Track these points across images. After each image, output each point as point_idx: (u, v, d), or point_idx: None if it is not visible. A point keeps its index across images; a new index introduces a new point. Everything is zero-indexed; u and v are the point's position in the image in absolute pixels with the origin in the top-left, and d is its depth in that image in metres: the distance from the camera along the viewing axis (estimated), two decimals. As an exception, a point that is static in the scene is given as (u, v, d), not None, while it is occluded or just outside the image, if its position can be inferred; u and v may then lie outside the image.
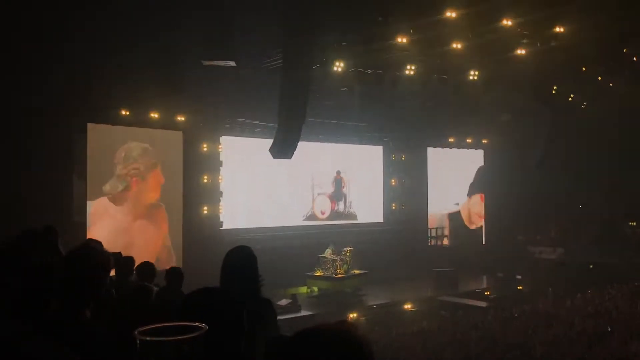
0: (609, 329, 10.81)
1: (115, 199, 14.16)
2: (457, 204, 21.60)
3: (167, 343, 1.16)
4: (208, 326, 1.27)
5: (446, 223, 21.33)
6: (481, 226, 22.09)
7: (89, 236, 13.09)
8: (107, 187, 14.02)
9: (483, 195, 22.05)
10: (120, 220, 14.24)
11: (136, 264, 5.89)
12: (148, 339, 1.15)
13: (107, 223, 13.95)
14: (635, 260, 18.20)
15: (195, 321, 1.27)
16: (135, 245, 14.27)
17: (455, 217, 21.58)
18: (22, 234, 4.29)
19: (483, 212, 22.08)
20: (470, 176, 22.13)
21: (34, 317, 1.98)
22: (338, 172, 19.07)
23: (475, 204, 21.98)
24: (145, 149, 14.64)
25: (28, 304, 2.21)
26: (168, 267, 6.35)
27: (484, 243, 21.88)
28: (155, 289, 4.36)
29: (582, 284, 15.65)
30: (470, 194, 21.90)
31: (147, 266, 5.74)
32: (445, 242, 21.08)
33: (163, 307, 3.68)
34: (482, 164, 22.22)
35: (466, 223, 21.86)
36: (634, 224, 20.34)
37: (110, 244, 12.77)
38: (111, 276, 5.30)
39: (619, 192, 20.44)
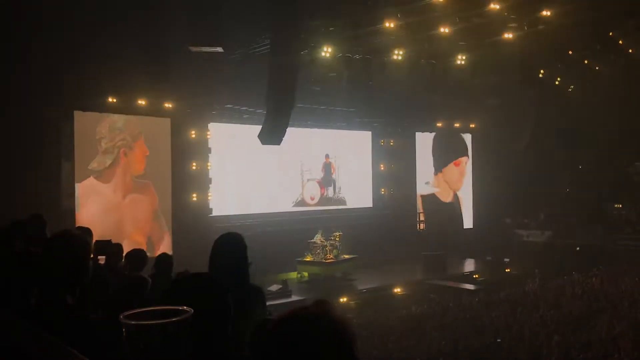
0: (595, 310, 10.98)
1: (103, 176, 14.10)
2: (428, 182, 21.53)
3: (153, 326, 1.18)
4: (194, 311, 1.29)
5: (420, 207, 21.29)
6: (461, 202, 22.12)
7: (78, 219, 13.16)
8: (94, 165, 13.95)
9: (456, 161, 22.07)
10: (110, 198, 14.22)
11: (130, 242, 5.83)
12: (134, 322, 1.17)
13: (96, 202, 13.94)
14: (621, 242, 18.43)
15: (181, 306, 1.28)
16: (127, 222, 14.33)
17: (428, 199, 21.51)
18: (9, 224, 4.30)
19: (460, 175, 22.07)
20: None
21: (16, 305, 1.99)
22: (327, 156, 19.08)
23: (449, 173, 21.96)
24: (128, 119, 14.54)
25: (10, 292, 2.23)
26: (159, 247, 6.31)
27: (467, 226, 21.94)
28: (150, 280, 4.36)
29: (569, 265, 15.84)
30: (440, 168, 21.84)
31: (137, 253, 5.66)
32: (422, 226, 21.01)
33: (155, 297, 3.71)
34: (470, 148, 22.27)
35: (444, 199, 21.82)
36: (620, 206, 20.56)
37: (102, 223, 12.96)
38: (101, 263, 5.32)
39: (605, 174, 20.64)
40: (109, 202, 14.16)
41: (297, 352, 1.22)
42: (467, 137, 22.29)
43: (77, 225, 11.60)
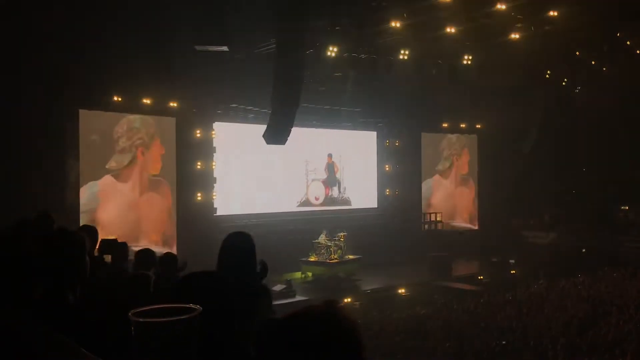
0: (601, 313, 10.93)
1: (121, 175, 14.28)
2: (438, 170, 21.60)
3: (163, 324, 1.16)
4: (202, 309, 1.26)
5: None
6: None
7: (97, 216, 13.45)
8: (112, 164, 14.17)
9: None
10: (129, 197, 14.39)
11: (147, 241, 5.84)
12: (142, 320, 1.15)
13: (115, 202, 14.13)
14: (626, 244, 18.35)
15: (189, 303, 1.26)
16: (144, 220, 14.44)
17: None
18: (17, 223, 4.29)
19: (465, 161, 22.13)
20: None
21: (21, 303, 1.97)
22: (329, 156, 19.06)
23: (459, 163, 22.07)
24: (145, 119, 14.71)
25: (15, 290, 2.21)
26: (174, 244, 6.29)
27: (472, 227, 21.92)
28: (152, 276, 4.34)
29: (574, 268, 15.78)
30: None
31: (147, 253, 5.66)
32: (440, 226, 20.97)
33: (158, 294, 3.69)
34: (476, 149, 22.22)
35: (455, 184, 21.86)
36: (626, 208, 20.47)
37: (120, 222, 13.11)
38: (107, 262, 5.30)
39: (611, 176, 20.55)
40: (128, 201, 14.35)
41: (305, 351, 1.20)
42: (473, 138, 22.23)
43: (81, 223, 11.64)
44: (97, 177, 13.95)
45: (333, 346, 1.22)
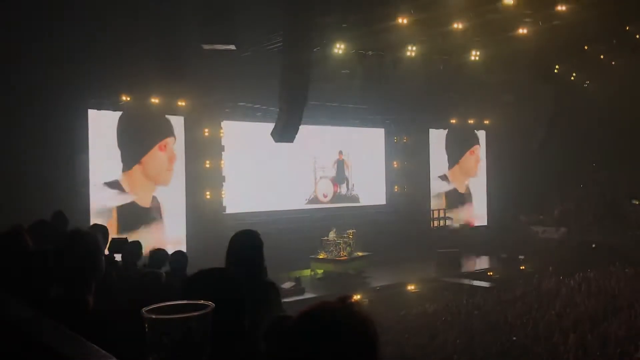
0: (612, 308, 10.88)
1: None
2: (444, 176, 21.51)
3: (175, 321, 1.17)
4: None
5: (444, 203, 21.26)
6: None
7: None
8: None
9: (471, 150, 22.06)
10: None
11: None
12: (155, 317, 1.16)
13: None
14: (637, 239, 18.21)
15: (200, 300, 1.28)
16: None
17: (451, 195, 21.60)
18: (33, 223, 4.33)
19: (476, 162, 22.08)
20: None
21: (35, 302, 2.00)
22: (340, 152, 19.06)
23: (466, 162, 21.94)
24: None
25: (28, 289, 2.25)
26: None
27: (481, 223, 21.87)
28: (163, 274, 4.38)
29: (584, 263, 15.68)
30: (457, 160, 21.79)
31: (159, 252, 5.74)
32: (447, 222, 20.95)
33: (169, 291, 3.71)
34: (485, 144, 22.16)
35: (460, 190, 21.79)
36: (637, 202, 20.31)
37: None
38: (117, 261, 5.35)
39: (621, 170, 20.40)
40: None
41: (320, 346, 1.20)
42: (482, 134, 22.18)
43: (91, 222, 11.67)
44: (105, 178, 14.06)
45: (348, 341, 1.23)
